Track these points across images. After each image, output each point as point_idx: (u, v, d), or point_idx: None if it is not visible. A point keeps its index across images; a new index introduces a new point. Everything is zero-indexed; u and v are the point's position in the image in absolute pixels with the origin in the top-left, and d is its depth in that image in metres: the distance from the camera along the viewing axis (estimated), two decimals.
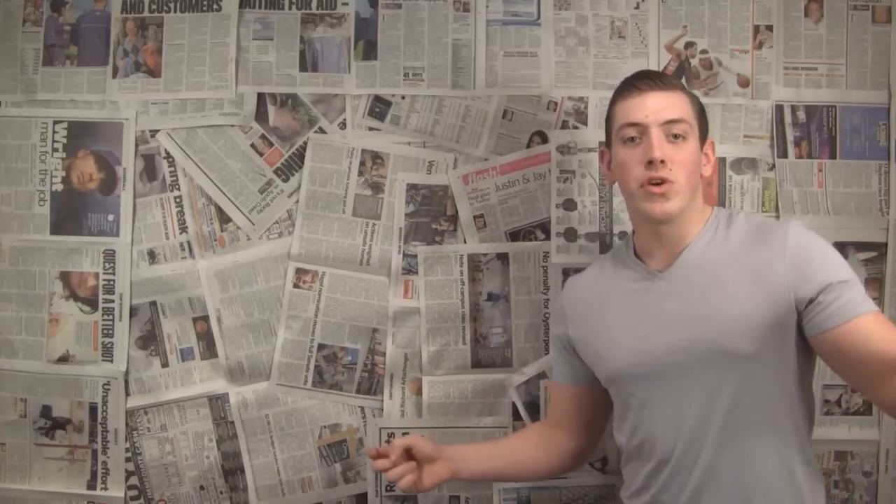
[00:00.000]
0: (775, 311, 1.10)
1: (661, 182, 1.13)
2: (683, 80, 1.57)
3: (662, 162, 1.12)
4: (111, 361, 1.59)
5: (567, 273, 1.53)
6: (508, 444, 1.41)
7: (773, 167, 1.57)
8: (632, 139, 1.16)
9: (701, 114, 1.20)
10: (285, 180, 1.59)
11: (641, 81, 1.17)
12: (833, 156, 1.57)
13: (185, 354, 1.60)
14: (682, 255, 1.18)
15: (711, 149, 1.23)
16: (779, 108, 1.57)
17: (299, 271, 1.58)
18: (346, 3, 1.59)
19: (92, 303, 1.60)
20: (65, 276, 1.60)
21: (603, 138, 1.54)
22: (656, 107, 1.14)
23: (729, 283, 1.13)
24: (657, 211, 1.14)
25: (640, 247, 1.24)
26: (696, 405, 1.13)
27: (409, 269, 1.58)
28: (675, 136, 1.14)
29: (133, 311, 1.59)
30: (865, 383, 1.06)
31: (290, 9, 1.59)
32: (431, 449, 1.26)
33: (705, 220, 1.20)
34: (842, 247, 1.55)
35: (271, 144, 1.59)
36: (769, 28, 1.58)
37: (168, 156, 1.59)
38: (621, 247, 1.31)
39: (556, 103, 1.58)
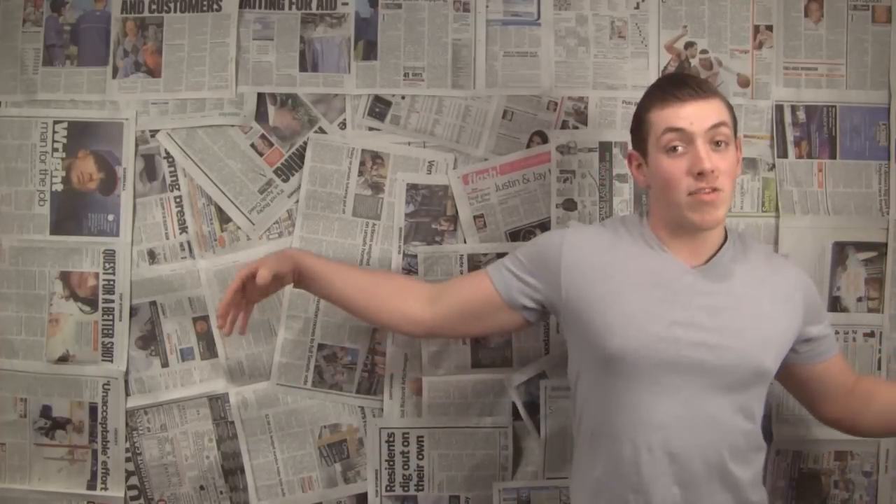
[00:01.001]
0: (789, 336, 1.21)
1: (710, 192, 1.13)
2: None
3: (712, 172, 1.12)
4: (111, 361, 1.59)
5: None
6: (366, 286, 1.32)
7: (773, 167, 1.57)
8: (674, 148, 1.14)
9: (733, 114, 1.20)
10: (285, 180, 1.59)
11: (681, 91, 1.15)
12: (833, 156, 1.57)
13: (185, 354, 1.60)
14: (714, 260, 1.19)
15: (740, 149, 1.23)
16: (779, 108, 1.57)
17: None
18: (346, 3, 1.59)
19: (92, 303, 1.60)
20: (65, 276, 1.60)
21: (604, 139, 1.57)
22: (699, 114, 1.13)
23: (759, 298, 1.18)
24: (707, 220, 1.14)
25: (665, 241, 1.21)
26: (705, 407, 1.14)
27: (409, 269, 1.58)
28: (718, 143, 1.14)
29: (133, 311, 1.59)
30: (815, 403, 1.33)
31: (290, 9, 1.59)
32: (277, 269, 1.24)
33: (724, 234, 1.23)
34: (842, 247, 1.56)
35: (271, 144, 1.59)
36: (769, 28, 1.58)
37: (168, 156, 1.59)
38: (633, 224, 1.26)
39: (556, 103, 1.58)
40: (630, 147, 1.26)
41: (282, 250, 1.43)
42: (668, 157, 1.15)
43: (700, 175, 1.12)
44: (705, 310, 1.16)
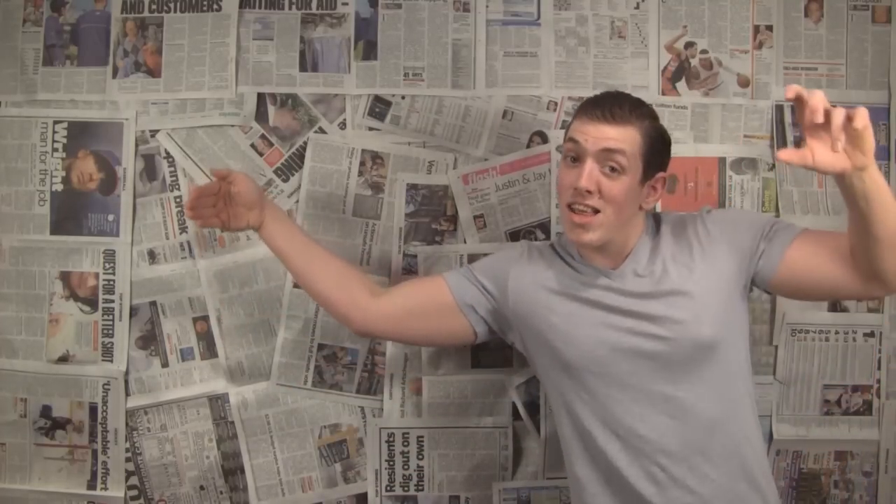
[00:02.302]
0: (726, 289, 1.19)
1: (585, 211, 1.15)
2: (683, 80, 1.57)
3: (589, 192, 1.14)
4: (111, 361, 1.59)
5: None
6: (326, 254, 1.34)
7: (773, 167, 1.57)
8: (572, 158, 1.18)
9: (653, 150, 1.18)
10: (285, 180, 1.59)
11: (594, 109, 1.17)
12: None
13: (185, 354, 1.60)
14: (629, 259, 1.22)
15: (661, 184, 1.22)
16: (779, 108, 1.57)
17: None
18: (346, 3, 1.59)
19: (92, 303, 1.60)
20: (65, 276, 1.60)
21: None
22: (598, 134, 1.15)
23: (678, 274, 1.18)
24: (574, 238, 1.19)
25: (582, 251, 1.25)
26: (662, 387, 1.17)
27: (409, 269, 1.58)
28: (612, 169, 1.15)
29: (133, 311, 1.59)
30: (837, 284, 1.16)
31: (290, 9, 1.59)
32: (250, 193, 1.27)
33: (641, 230, 1.24)
34: None
35: (271, 144, 1.59)
36: (769, 28, 1.58)
37: (168, 156, 1.59)
38: (566, 241, 1.29)
39: (556, 103, 1.58)
40: None
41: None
42: (564, 165, 1.20)
43: (576, 191, 1.15)
44: (634, 303, 1.19)
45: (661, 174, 1.22)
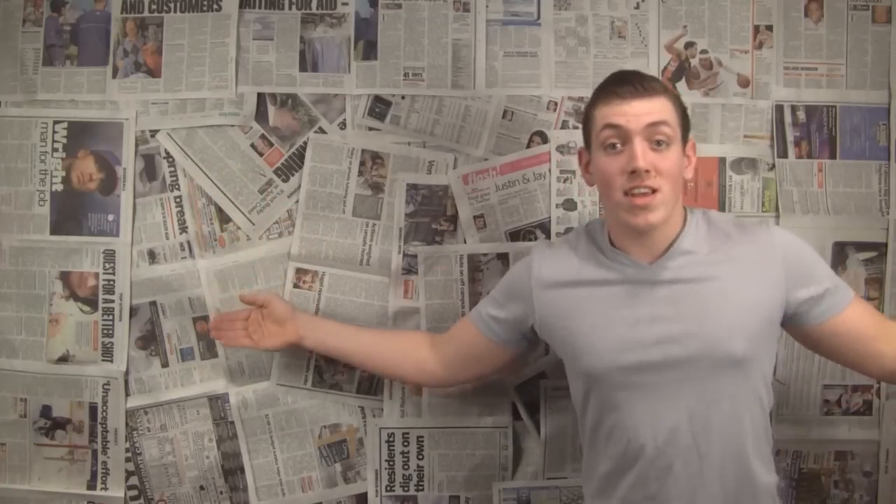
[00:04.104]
0: (767, 309, 1.16)
1: (646, 193, 1.11)
2: (683, 81, 1.57)
3: (647, 171, 1.10)
4: (111, 361, 1.59)
5: None
6: (375, 337, 1.39)
7: (773, 167, 1.57)
8: (613, 145, 1.13)
9: (683, 115, 1.17)
10: (285, 180, 1.59)
11: (622, 87, 1.13)
12: (833, 156, 1.57)
13: (185, 354, 1.60)
14: (670, 252, 1.17)
15: (693, 150, 1.21)
16: (779, 108, 1.57)
17: (299, 271, 1.58)
18: (346, 3, 1.59)
19: (92, 303, 1.60)
20: (65, 276, 1.60)
21: None
22: (637, 111, 1.11)
23: (722, 279, 1.14)
24: (641, 223, 1.12)
25: (617, 243, 1.21)
26: (685, 399, 1.14)
27: (409, 269, 1.58)
28: (659, 143, 1.12)
29: (133, 311, 1.59)
30: (855, 363, 1.21)
31: (290, 9, 1.59)
32: (283, 312, 1.28)
33: (684, 219, 1.20)
34: (842, 247, 1.55)
35: (271, 144, 1.59)
36: (769, 28, 1.58)
37: (168, 156, 1.59)
38: (595, 229, 1.26)
39: (556, 103, 1.58)
40: (581, 145, 1.26)
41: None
42: (605, 155, 1.14)
43: (634, 174, 1.10)
44: (666, 301, 1.15)
45: (691, 140, 1.20)
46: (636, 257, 1.18)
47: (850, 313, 1.18)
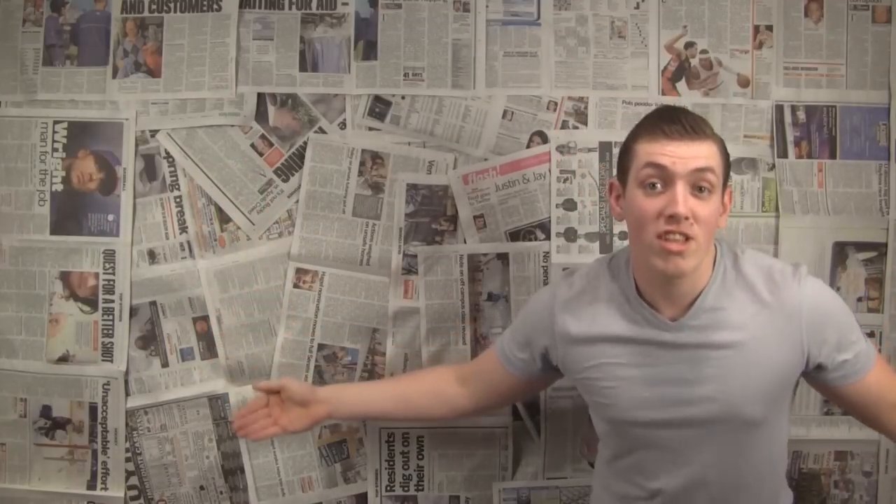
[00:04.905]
0: (788, 373, 1.14)
1: (679, 239, 1.05)
2: (683, 81, 1.57)
3: (686, 218, 1.04)
4: (111, 361, 1.59)
5: None
6: (400, 386, 1.38)
7: (773, 167, 1.57)
8: (653, 185, 1.07)
9: (727, 162, 1.11)
10: (285, 180, 1.59)
11: (671, 125, 1.06)
12: (833, 156, 1.57)
13: (185, 354, 1.60)
14: (695, 306, 1.12)
15: (729, 198, 1.15)
16: (779, 108, 1.57)
17: (299, 271, 1.58)
18: (346, 3, 1.58)
19: (92, 303, 1.60)
20: (65, 276, 1.60)
21: (604, 139, 1.56)
22: (685, 154, 1.05)
23: (743, 339, 1.11)
24: (671, 269, 1.06)
25: (643, 289, 1.16)
26: (702, 455, 1.14)
27: (409, 269, 1.58)
28: (701, 189, 1.06)
29: (133, 311, 1.59)
30: (866, 420, 1.20)
31: (290, 9, 1.59)
32: (302, 393, 1.26)
33: (712, 264, 1.14)
34: (842, 247, 1.55)
35: (271, 144, 1.59)
36: (769, 28, 1.58)
37: (168, 156, 1.59)
38: (621, 270, 1.20)
39: (556, 103, 1.58)
40: (614, 175, 1.20)
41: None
42: (643, 194, 1.08)
43: (671, 218, 1.04)
44: (688, 364, 1.12)
45: (728, 188, 1.14)
46: (661, 311, 1.14)
47: (870, 379, 1.14)
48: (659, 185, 1.07)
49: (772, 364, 1.11)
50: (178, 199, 1.59)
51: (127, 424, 1.59)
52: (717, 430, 1.12)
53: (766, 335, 1.11)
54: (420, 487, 1.59)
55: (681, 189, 1.04)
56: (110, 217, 1.59)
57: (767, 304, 1.12)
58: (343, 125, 1.58)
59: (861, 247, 1.56)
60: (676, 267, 1.06)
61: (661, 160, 1.06)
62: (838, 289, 1.55)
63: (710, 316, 1.12)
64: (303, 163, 1.58)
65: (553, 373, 1.29)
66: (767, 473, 1.18)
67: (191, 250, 1.59)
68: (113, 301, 1.59)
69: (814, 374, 1.15)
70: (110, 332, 1.59)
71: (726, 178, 1.12)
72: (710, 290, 1.12)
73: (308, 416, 1.30)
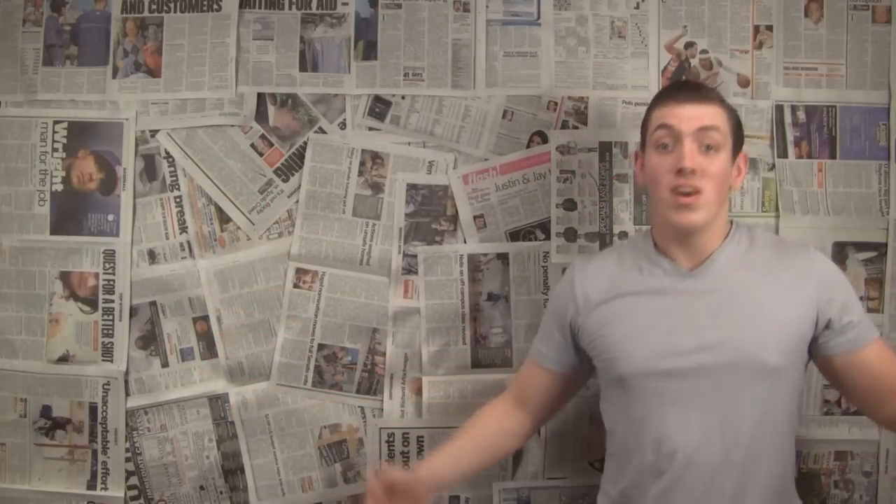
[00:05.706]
0: (801, 326, 1.18)
1: (690, 192, 1.14)
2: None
3: (693, 171, 1.14)
4: (111, 361, 1.59)
5: None
6: (473, 438, 1.35)
7: (773, 167, 1.57)
8: (664, 146, 1.18)
9: (737, 126, 1.22)
10: (285, 180, 1.59)
11: (679, 92, 1.20)
12: (833, 156, 1.57)
13: (185, 354, 1.60)
14: (711, 259, 1.20)
15: (744, 162, 1.24)
16: (779, 108, 1.57)
17: (299, 271, 1.58)
18: (346, 3, 1.59)
19: (92, 303, 1.60)
20: (65, 276, 1.60)
21: (604, 139, 1.57)
22: (690, 114, 1.16)
23: (758, 293, 1.17)
24: (683, 221, 1.16)
25: (661, 246, 1.24)
26: (716, 407, 1.14)
27: (409, 269, 1.58)
28: (708, 148, 1.16)
29: (133, 311, 1.59)
30: (865, 402, 1.22)
31: (290, 9, 1.59)
32: (406, 480, 1.22)
33: (727, 232, 1.23)
34: (842, 247, 1.55)
35: (271, 144, 1.59)
36: (769, 28, 1.58)
37: (168, 156, 1.59)
38: (638, 240, 1.30)
39: (556, 103, 1.58)
40: (638, 147, 1.29)
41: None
42: (657, 154, 1.19)
43: (680, 172, 1.14)
44: (703, 311, 1.17)
45: (742, 153, 1.23)
46: (678, 262, 1.21)
47: (871, 351, 1.19)
48: (669, 145, 1.17)
49: (785, 315, 1.16)
50: (178, 199, 1.59)
51: (127, 424, 1.59)
52: (732, 378, 1.14)
53: (780, 289, 1.17)
54: None
55: (687, 145, 1.15)
56: (110, 217, 1.59)
57: (780, 265, 1.20)
58: (343, 125, 1.58)
59: (861, 247, 1.56)
60: (688, 220, 1.15)
61: (669, 121, 1.17)
62: None
63: (726, 266, 1.19)
64: (303, 163, 1.58)
65: (586, 358, 1.30)
66: (780, 442, 1.17)
67: (191, 250, 1.59)
68: (113, 301, 1.59)
69: (822, 339, 1.18)
70: (110, 332, 1.59)
71: (738, 142, 1.21)
72: (726, 246, 1.21)
73: (417, 500, 1.23)
